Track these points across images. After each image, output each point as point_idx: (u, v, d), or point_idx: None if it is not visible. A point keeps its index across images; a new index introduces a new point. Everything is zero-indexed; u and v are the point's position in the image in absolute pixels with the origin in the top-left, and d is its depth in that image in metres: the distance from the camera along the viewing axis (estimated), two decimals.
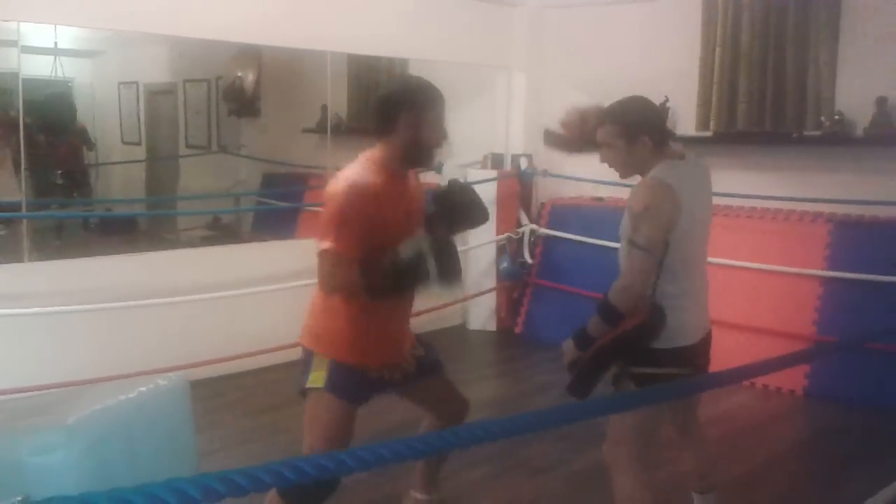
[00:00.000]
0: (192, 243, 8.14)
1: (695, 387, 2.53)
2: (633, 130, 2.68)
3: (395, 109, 2.55)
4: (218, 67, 9.23)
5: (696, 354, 2.70)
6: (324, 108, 7.95)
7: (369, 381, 2.68)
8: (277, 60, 8.41)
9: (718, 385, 2.64)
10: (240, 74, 8.88)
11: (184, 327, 5.02)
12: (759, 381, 5.04)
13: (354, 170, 2.54)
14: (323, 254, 2.46)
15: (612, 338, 2.58)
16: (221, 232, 9.15)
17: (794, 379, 4.90)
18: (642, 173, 2.72)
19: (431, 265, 2.44)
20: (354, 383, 2.63)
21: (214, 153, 9.64)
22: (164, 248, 7.05)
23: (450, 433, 1.61)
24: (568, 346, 2.71)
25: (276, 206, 8.50)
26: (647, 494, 2.67)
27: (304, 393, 2.67)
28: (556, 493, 3.65)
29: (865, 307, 4.66)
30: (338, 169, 2.70)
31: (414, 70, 7.44)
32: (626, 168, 2.79)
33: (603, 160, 2.84)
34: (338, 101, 8.12)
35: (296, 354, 5.18)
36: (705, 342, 2.77)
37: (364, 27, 5.77)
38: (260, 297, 5.33)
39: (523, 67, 6.63)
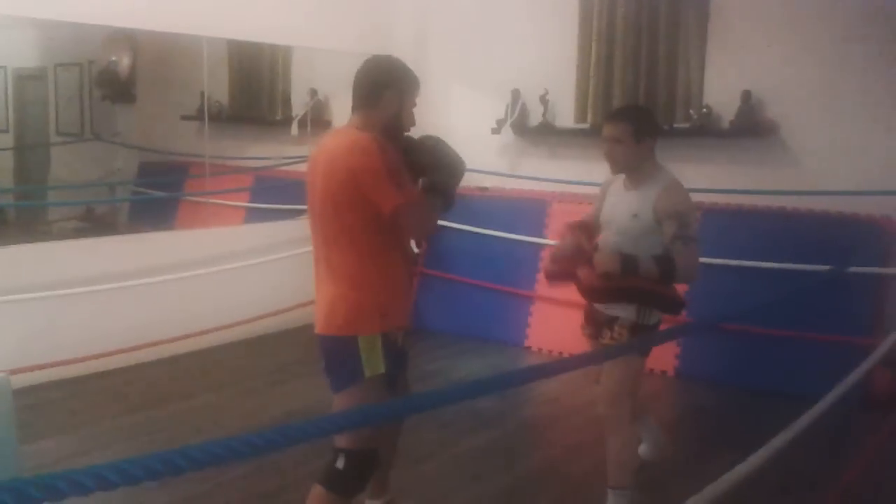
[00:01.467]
0: (64, 235, 7.77)
1: (573, 363, 2.61)
2: (642, 132, 3.06)
3: (381, 86, 2.66)
4: (91, 51, 8.83)
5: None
6: (202, 95, 7.75)
7: (395, 349, 2.67)
8: (153, 45, 8.13)
9: (581, 365, 2.76)
10: (114, 59, 8.52)
11: (51, 323, 4.80)
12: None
13: (357, 135, 2.57)
14: (402, 208, 2.50)
15: (650, 288, 2.98)
16: (95, 223, 8.78)
17: (666, 360, 5.11)
18: (636, 170, 3.10)
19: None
20: (391, 354, 2.62)
21: (87, 140, 9.22)
22: (34, 241, 6.69)
23: (326, 420, 1.59)
24: (613, 258, 2.96)
25: (154, 196, 8.22)
26: (634, 447, 3.22)
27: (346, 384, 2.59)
28: (437, 480, 3.67)
29: (735, 291, 4.88)
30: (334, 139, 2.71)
31: (298, 58, 7.35)
32: (628, 165, 3.11)
33: (608, 154, 3.13)
34: (219, 87, 7.91)
35: (173, 350, 5.18)
36: None
37: (244, 12, 5.63)
38: (136, 291, 5.14)
39: (407, 57, 6.58)
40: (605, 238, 3.17)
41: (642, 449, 3.61)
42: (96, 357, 4.80)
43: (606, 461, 3.13)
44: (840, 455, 3.76)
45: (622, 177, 3.18)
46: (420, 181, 2.72)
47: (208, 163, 7.09)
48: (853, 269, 4.59)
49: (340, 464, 2.56)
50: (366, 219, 2.54)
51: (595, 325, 3.24)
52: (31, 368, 4.47)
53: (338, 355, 2.59)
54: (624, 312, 3.07)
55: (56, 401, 4.53)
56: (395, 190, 2.50)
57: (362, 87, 2.67)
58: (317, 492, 2.61)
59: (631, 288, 2.99)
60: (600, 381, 3.17)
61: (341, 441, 2.58)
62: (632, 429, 3.18)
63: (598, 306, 3.20)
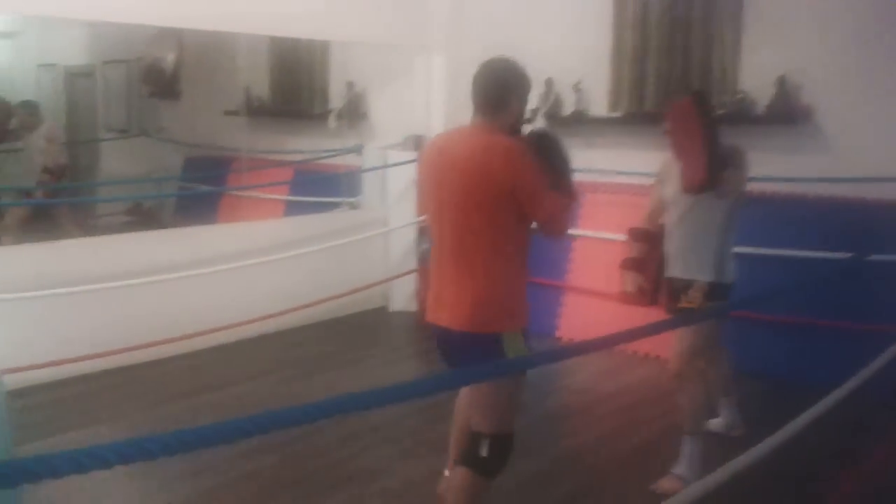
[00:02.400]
0: (112, 229, 7.99)
1: (567, 352, 2.62)
2: (703, 113, 3.29)
3: (507, 91, 2.73)
4: (137, 49, 9.07)
5: None
6: (244, 91, 7.90)
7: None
8: (197, 42, 8.30)
9: (587, 351, 2.80)
10: (159, 56, 8.73)
11: (102, 315, 4.94)
12: (662, 353, 5.21)
13: (506, 140, 2.64)
14: (556, 214, 2.65)
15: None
16: (142, 217, 9.03)
17: None
18: None
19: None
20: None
21: (134, 136, 9.47)
22: (84, 235, 6.92)
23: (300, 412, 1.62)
24: (698, 293, 3.41)
25: (198, 191, 8.40)
26: (703, 398, 3.50)
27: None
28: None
29: (771, 281, 4.78)
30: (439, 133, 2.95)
31: (335, 52, 7.43)
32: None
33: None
34: (260, 83, 8.05)
35: (213, 340, 5.28)
36: None
37: (282, 8, 5.71)
38: (182, 283, 5.25)
39: (442, 49, 6.64)
40: (671, 218, 3.52)
41: (715, 422, 3.95)
42: (122, 351, 4.89)
43: (680, 411, 3.52)
44: (863, 445, 3.68)
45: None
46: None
47: (245, 157, 7.23)
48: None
49: (484, 450, 2.67)
50: (514, 222, 2.62)
51: (672, 293, 3.55)
52: (62, 362, 4.61)
53: (480, 352, 2.62)
54: (700, 274, 3.42)
55: (90, 392, 4.66)
56: (552, 199, 2.62)
57: (488, 91, 2.73)
58: (463, 474, 2.72)
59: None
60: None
61: (483, 427, 2.68)
62: (702, 383, 3.50)
63: (675, 273, 3.54)
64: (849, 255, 4.27)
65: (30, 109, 7.27)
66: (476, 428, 2.71)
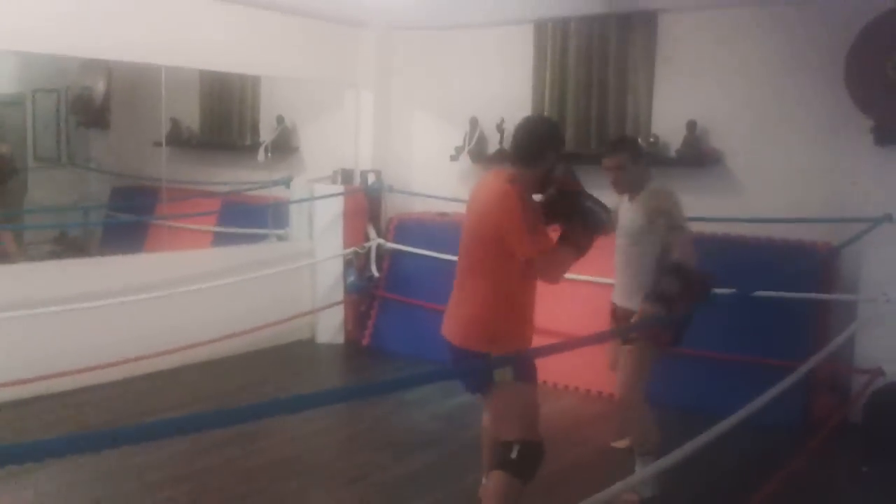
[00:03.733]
0: (38, 258, 7.84)
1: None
2: (637, 155, 3.79)
3: (545, 146, 3.01)
4: (68, 78, 8.97)
5: None
6: (173, 122, 7.89)
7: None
8: (127, 72, 8.25)
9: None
10: (88, 86, 8.66)
11: (24, 342, 4.90)
12: (582, 385, 5.35)
13: (507, 188, 2.94)
14: (535, 258, 2.92)
15: (688, 290, 3.38)
16: (68, 247, 8.86)
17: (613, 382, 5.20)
18: (641, 188, 3.73)
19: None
20: (531, 366, 3.05)
21: (64, 166, 9.33)
22: (8, 263, 6.79)
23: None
24: (647, 306, 3.42)
25: (125, 220, 8.31)
26: (651, 420, 3.76)
27: (486, 389, 3.01)
28: (369, 500, 3.75)
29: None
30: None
31: (266, 86, 7.49)
32: (633, 186, 3.75)
33: (614, 182, 3.78)
34: (191, 114, 8.05)
35: (137, 370, 5.23)
36: None
37: (211, 42, 5.78)
38: (106, 312, 5.22)
39: (371, 86, 6.77)
40: (618, 243, 3.82)
41: (623, 441, 4.27)
42: (54, 376, 4.85)
43: (631, 436, 3.88)
44: (763, 475, 3.85)
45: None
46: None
47: (173, 187, 7.21)
48: (793, 294, 4.73)
49: (514, 453, 2.93)
50: (506, 258, 2.92)
51: (618, 321, 3.86)
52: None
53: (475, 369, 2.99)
54: (635, 303, 3.62)
55: (8, 421, 4.59)
56: (530, 242, 2.90)
57: (528, 144, 3.02)
58: (498, 477, 2.95)
59: (679, 301, 3.42)
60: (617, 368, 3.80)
61: (511, 434, 2.96)
62: (647, 408, 3.76)
63: (617, 301, 3.86)
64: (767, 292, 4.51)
65: None
66: (504, 436, 3.00)
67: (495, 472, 2.99)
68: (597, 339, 3.72)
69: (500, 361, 2.94)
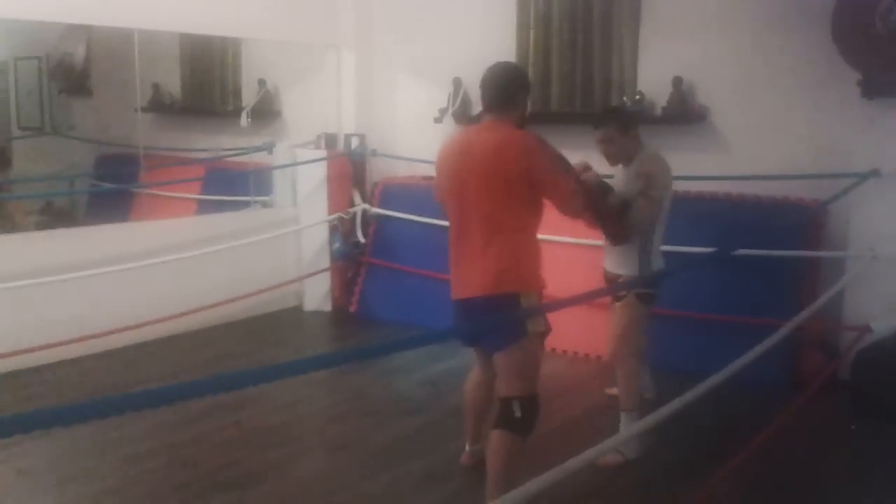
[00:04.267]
0: (25, 228, 7.78)
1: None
2: (626, 125, 3.81)
3: (517, 89, 3.14)
4: (48, 44, 8.82)
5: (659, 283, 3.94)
6: (156, 87, 7.77)
7: None
8: (107, 38, 8.11)
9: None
10: (69, 52, 8.51)
11: (9, 314, 4.85)
12: (569, 348, 5.32)
13: (518, 133, 3.04)
14: (576, 193, 3.08)
15: (606, 214, 3.64)
16: (54, 217, 8.79)
17: (601, 345, 5.17)
18: (632, 158, 3.79)
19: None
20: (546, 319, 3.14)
21: (47, 134, 9.22)
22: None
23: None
24: (594, 176, 3.58)
25: (108, 189, 8.22)
26: (639, 378, 3.89)
27: (505, 344, 3.00)
28: (352, 469, 3.73)
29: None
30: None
31: (247, 49, 7.36)
32: (624, 156, 3.84)
33: (605, 153, 3.87)
34: (172, 80, 7.93)
35: (124, 340, 5.19)
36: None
37: (190, 5, 5.66)
38: (92, 282, 5.15)
39: (352, 47, 6.64)
40: None
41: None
42: (26, 351, 4.80)
43: (618, 389, 3.88)
44: (750, 433, 3.83)
45: None
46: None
47: (156, 154, 7.11)
48: (774, 251, 4.69)
49: (518, 411, 2.98)
50: (528, 205, 3.02)
51: (609, 284, 3.97)
52: None
53: (502, 309, 2.96)
54: (625, 269, 3.82)
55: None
56: (564, 181, 3.04)
57: (500, 89, 3.09)
58: (501, 436, 3.00)
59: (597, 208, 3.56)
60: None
61: (514, 391, 3.00)
62: (636, 364, 3.86)
63: (607, 267, 3.97)
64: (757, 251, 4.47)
65: None
66: (506, 393, 3.02)
67: (498, 431, 3.01)
68: (585, 297, 3.94)
69: (533, 311, 3.02)
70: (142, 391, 1.52)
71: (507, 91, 3.08)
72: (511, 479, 2.83)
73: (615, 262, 3.93)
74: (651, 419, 2.79)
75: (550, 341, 5.33)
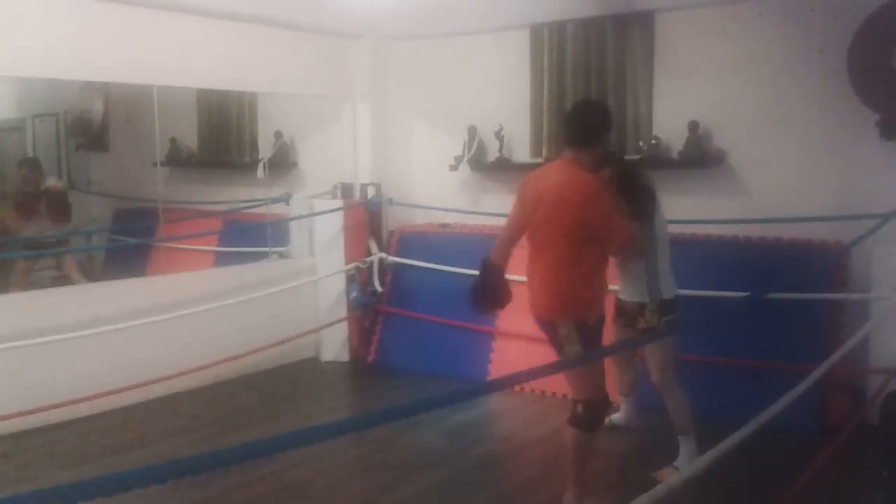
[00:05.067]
0: (41, 284, 7.80)
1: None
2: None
3: (601, 129, 3.41)
4: (66, 101, 8.95)
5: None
6: (174, 142, 7.86)
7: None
8: (124, 94, 8.22)
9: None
10: (86, 108, 8.63)
11: (26, 372, 4.83)
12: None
13: (584, 177, 3.30)
14: (627, 240, 3.42)
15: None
16: (64, 272, 8.82)
17: None
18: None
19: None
20: (598, 336, 3.48)
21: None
22: (10, 291, 6.76)
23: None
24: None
25: (127, 243, 8.26)
26: (688, 401, 4.02)
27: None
28: None
29: (688, 321, 4.86)
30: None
31: (263, 102, 7.44)
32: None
33: None
34: (189, 134, 8.01)
35: (143, 395, 5.16)
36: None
37: (207, 60, 5.75)
38: (110, 337, 5.14)
39: (367, 98, 6.71)
40: None
41: (616, 417, 4.59)
42: (45, 409, 4.77)
43: (671, 416, 4.03)
44: (781, 482, 3.74)
45: None
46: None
47: (174, 208, 7.15)
48: (808, 295, 4.63)
49: (580, 410, 3.40)
50: (585, 243, 3.33)
51: (627, 315, 4.07)
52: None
53: (553, 333, 3.42)
54: (643, 297, 3.95)
55: (8, 454, 4.52)
56: (620, 229, 3.36)
57: (585, 128, 3.35)
58: (568, 431, 3.47)
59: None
60: (646, 358, 4.10)
61: (578, 395, 3.43)
62: (680, 388, 4.02)
63: (622, 297, 4.08)
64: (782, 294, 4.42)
65: (31, 165, 7.43)
66: (573, 396, 3.46)
67: (567, 428, 3.47)
68: (623, 347, 4.26)
69: (566, 330, 3.39)
70: (171, 462, 1.51)
71: (591, 130, 3.36)
72: (580, 469, 3.47)
73: (628, 291, 4.07)
74: (688, 471, 2.72)
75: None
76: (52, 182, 7.30)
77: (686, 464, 3.88)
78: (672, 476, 3.69)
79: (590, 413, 3.43)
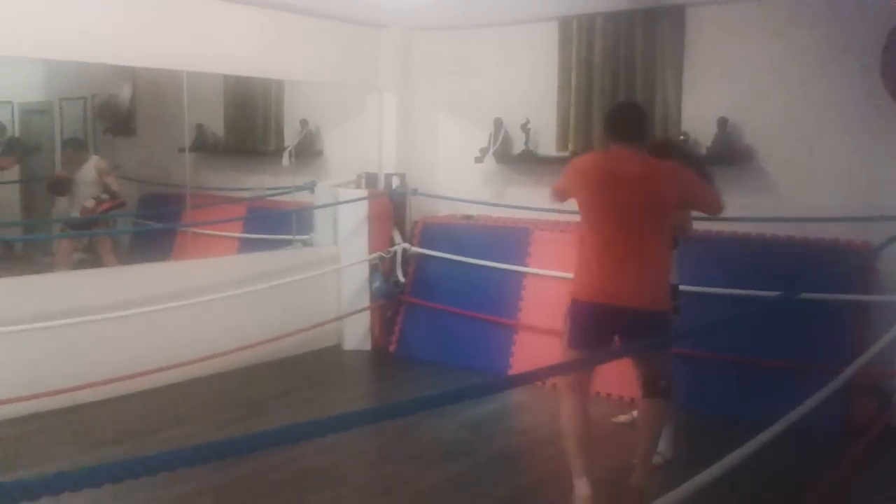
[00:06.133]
0: (68, 266, 7.88)
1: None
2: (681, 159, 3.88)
3: (648, 123, 3.83)
4: (94, 86, 9.00)
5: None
6: (200, 128, 7.89)
7: None
8: (152, 79, 8.27)
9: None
10: (114, 93, 8.69)
11: (48, 353, 4.87)
12: (613, 391, 5.23)
13: (660, 161, 3.57)
14: (714, 193, 3.68)
15: None
16: (97, 254, 8.89)
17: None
18: None
19: None
20: None
21: None
22: (39, 272, 6.83)
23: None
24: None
25: (152, 228, 8.32)
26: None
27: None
28: None
29: (714, 320, 4.84)
30: None
31: (289, 90, 7.46)
32: None
33: None
34: (215, 120, 8.04)
35: (164, 379, 5.20)
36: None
37: (234, 47, 5.76)
38: (134, 321, 5.20)
39: (393, 88, 6.70)
40: None
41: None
42: (67, 391, 4.82)
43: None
44: (805, 484, 3.72)
45: None
46: None
47: (199, 193, 7.19)
48: (836, 295, 4.58)
49: (665, 384, 3.60)
50: (670, 226, 3.55)
51: None
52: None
53: (661, 324, 3.48)
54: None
55: (26, 435, 4.56)
56: (711, 191, 3.65)
57: (638, 123, 3.61)
58: (655, 403, 3.61)
59: None
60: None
61: (664, 371, 3.61)
62: None
63: None
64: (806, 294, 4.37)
65: (75, 145, 7.53)
66: (653, 370, 3.60)
67: (651, 400, 3.61)
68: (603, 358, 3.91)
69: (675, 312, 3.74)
70: (192, 448, 1.50)
71: (645, 126, 3.67)
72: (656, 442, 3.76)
73: None
74: (715, 470, 2.70)
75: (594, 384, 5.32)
76: (97, 160, 7.31)
77: (669, 449, 4.08)
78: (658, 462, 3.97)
79: (672, 385, 3.66)
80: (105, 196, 7.08)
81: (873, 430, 4.06)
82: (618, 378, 5.15)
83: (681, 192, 3.47)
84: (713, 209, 3.62)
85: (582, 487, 3.46)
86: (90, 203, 7.07)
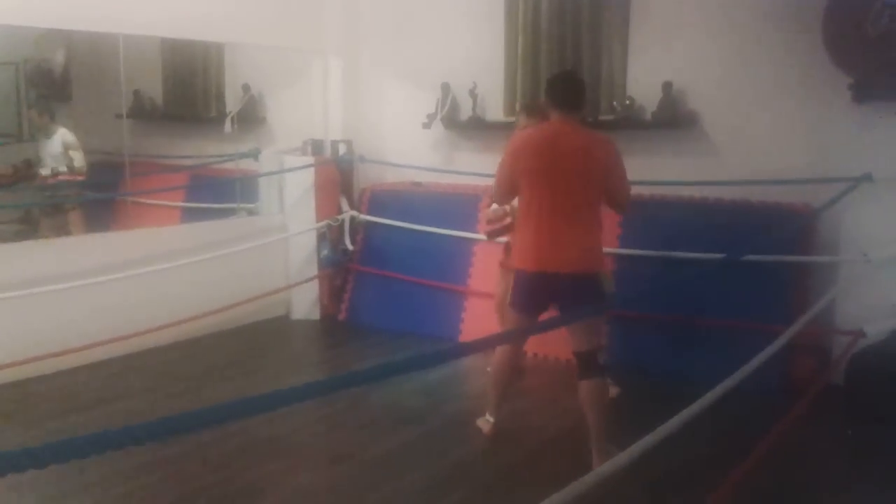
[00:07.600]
0: (4, 238, 7.63)
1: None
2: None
3: (585, 93, 3.77)
4: (25, 50, 8.66)
5: None
6: (137, 94, 7.67)
7: None
8: (87, 43, 7.99)
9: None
10: (47, 58, 8.37)
11: None
12: (561, 355, 5.29)
13: (596, 132, 3.78)
14: (629, 189, 3.71)
15: None
16: (35, 226, 8.63)
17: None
18: None
19: None
20: None
21: (26, 141, 9.04)
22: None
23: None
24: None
25: (89, 197, 8.07)
26: None
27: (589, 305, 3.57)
28: (354, 480, 3.67)
29: (653, 281, 4.94)
30: None
31: (230, 54, 7.28)
32: None
33: None
34: (153, 86, 7.83)
35: (107, 352, 5.09)
36: None
37: (171, 9, 5.58)
38: (74, 293, 5.05)
39: (339, 52, 6.59)
40: None
41: None
42: (9, 366, 4.70)
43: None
44: (747, 442, 3.80)
45: None
46: None
47: (138, 161, 7.01)
48: (778, 257, 4.69)
49: (602, 358, 3.67)
50: (600, 194, 3.60)
51: None
52: None
53: (592, 288, 3.54)
54: None
55: None
56: (627, 183, 3.66)
57: (578, 94, 3.67)
58: (595, 383, 3.61)
59: None
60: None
61: (597, 343, 3.64)
62: None
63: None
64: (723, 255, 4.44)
65: (39, 108, 7.20)
66: (588, 347, 3.60)
67: (591, 381, 3.59)
68: (554, 324, 3.90)
69: (606, 281, 3.74)
70: (141, 425, 1.47)
71: (583, 95, 3.72)
72: (607, 420, 3.66)
73: None
74: (663, 430, 2.74)
75: (540, 347, 5.38)
76: (64, 133, 7.07)
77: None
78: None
79: (605, 359, 3.73)
80: (63, 169, 6.85)
81: (814, 388, 4.16)
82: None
83: (608, 166, 3.55)
84: (620, 203, 3.70)
85: (487, 421, 4.08)
86: (46, 172, 6.86)
